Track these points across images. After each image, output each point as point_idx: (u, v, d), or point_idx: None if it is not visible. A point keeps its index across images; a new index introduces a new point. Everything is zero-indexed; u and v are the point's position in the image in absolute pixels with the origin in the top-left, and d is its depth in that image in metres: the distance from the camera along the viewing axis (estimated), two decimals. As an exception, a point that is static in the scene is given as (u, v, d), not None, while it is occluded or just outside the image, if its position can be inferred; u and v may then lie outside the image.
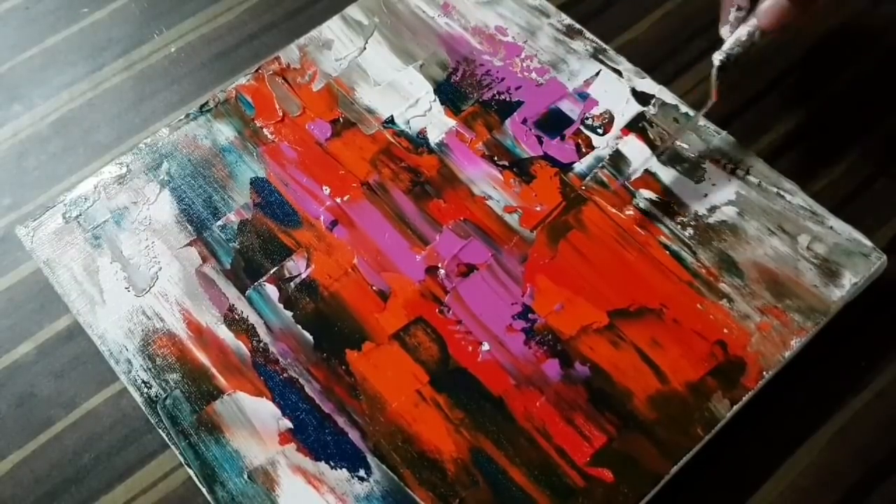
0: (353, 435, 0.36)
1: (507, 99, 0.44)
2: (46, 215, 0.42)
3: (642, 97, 0.43)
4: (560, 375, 0.36)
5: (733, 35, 0.39)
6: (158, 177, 0.43)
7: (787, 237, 0.39)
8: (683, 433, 0.35)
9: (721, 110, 0.45)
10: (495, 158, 0.42)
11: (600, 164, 0.42)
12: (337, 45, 0.47)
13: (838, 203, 0.40)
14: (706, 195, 0.40)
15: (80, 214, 0.42)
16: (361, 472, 0.35)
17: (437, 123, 0.44)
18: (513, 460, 0.35)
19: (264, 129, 0.44)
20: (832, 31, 0.48)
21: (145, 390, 0.37)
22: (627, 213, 0.40)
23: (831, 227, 0.39)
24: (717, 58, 0.39)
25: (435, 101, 0.44)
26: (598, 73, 0.44)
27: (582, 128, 0.43)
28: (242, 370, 0.37)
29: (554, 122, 0.43)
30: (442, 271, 0.39)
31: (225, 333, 0.38)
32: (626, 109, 0.43)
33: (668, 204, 0.40)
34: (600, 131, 0.43)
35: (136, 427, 0.38)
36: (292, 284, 0.39)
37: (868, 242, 0.38)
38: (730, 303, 0.38)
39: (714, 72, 0.39)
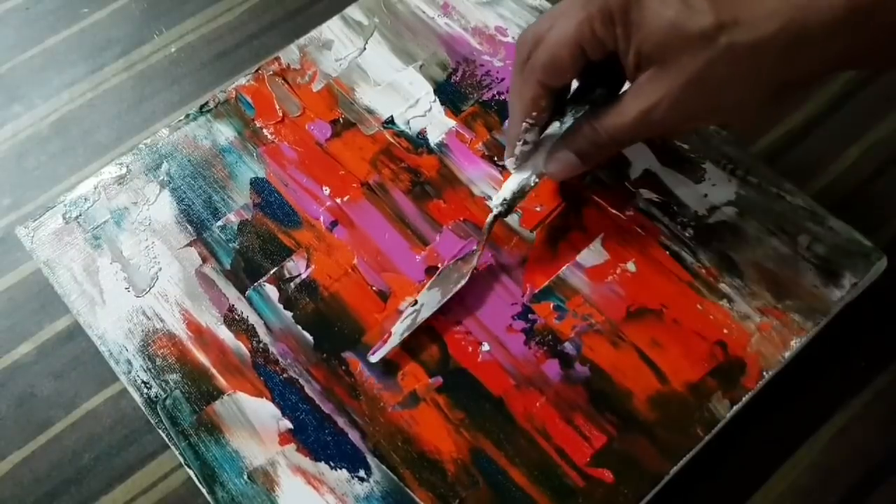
0: (353, 435, 0.36)
1: (507, 99, 0.44)
2: (46, 215, 0.42)
3: (642, 97, 0.43)
4: (560, 376, 0.36)
5: (515, 179, 0.37)
6: (158, 177, 0.43)
7: (787, 237, 0.39)
8: (683, 433, 0.35)
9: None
10: (495, 159, 0.42)
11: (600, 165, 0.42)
12: (337, 45, 0.47)
13: (838, 203, 0.40)
14: (706, 195, 0.40)
15: (80, 215, 0.42)
16: (361, 473, 0.35)
17: (437, 124, 0.44)
18: (513, 461, 0.35)
19: (264, 130, 0.44)
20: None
21: (145, 391, 0.37)
22: (627, 213, 0.40)
23: (831, 228, 0.39)
24: (496, 206, 0.37)
25: (435, 101, 0.44)
26: (598, 74, 0.44)
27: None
28: (242, 370, 0.37)
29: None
30: (442, 271, 0.39)
31: (225, 334, 0.38)
32: (626, 109, 0.43)
33: (668, 204, 0.40)
34: (600, 131, 0.43)
35: (136, 427, 0.38)
36: (292, 285, 0.39)
37: (868, 242, 0.38)
38: (730, 303, 0.38)
39: (490, 220, 0.38)
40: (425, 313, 0.37)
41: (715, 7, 0.29)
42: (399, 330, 0.37)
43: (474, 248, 0.39)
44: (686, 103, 0.31)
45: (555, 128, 0.37)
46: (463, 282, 0.38)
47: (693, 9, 0.30)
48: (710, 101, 0.31)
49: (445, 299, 0.38)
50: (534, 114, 0.35)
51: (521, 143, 0.36)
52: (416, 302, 0.38)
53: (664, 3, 0.30)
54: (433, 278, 0.39)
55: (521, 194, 0.37)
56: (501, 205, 0.38)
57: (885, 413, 0.38)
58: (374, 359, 0.37)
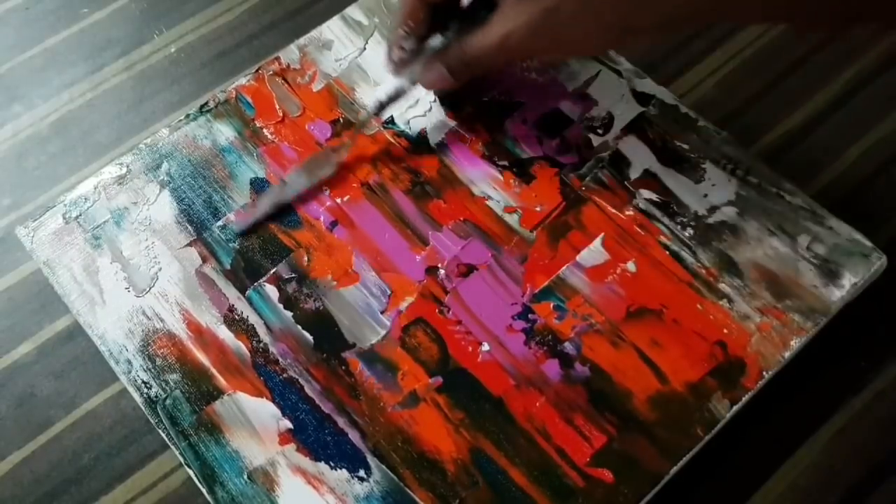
0: (353, 435, 0.36)
1: (507, 99, 0.44)
2: (46, 215, 0.42)
3: (642, 97, 0.43)
4: (560, 376, 0.36)
5: (391, 83, 0.40)
6: (158, 177, 0.43)
7: (787, 237, 0.39)
8: (683, 433, 0.35)
9: (721, 110, 0.45)
10: (495, 159, 0.42)
11: (600, 165, 0.42)
12: (337, 45, 0.47)
13: (838, 203, 0.40)
14: (706, 195, 0.40)
15: (80, 215, 0.42)
16: (361, 473, 0.35)
17: (437, 124, 0.44)
18: (513, 461, 0.35)
19: (264, 130, 0.44)
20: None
21: (145, 390, 0.37)
22: (627, 213, 0.40)
23: (831, 228, 0.39)
24: (369, 112, 0.41)
25: (435, 101, 0.44)
26: (597, 74, 0.44)
27: (582, 128, 0.43)
28: (242, 370, 0.37)
29: (554, 123, 0.43)
30: (442, 271, 0.39)
31: (225, 334, 0.38)
32: (626, 110, 0.43)
33: (668, 204, 0.40)
34: (600, 131, 0.43)
35: (135, 427, 0.38)
36: (292, 285, 0.39)
37: (868, 242, 0.38)
38: (730, 303, 0.38)
39: (363, 117, 0.41)
40: (289, 193, 0.41)
41: None
42: (262, 206, 0.40)
43: (346, 141, 0.42)
44: (538, 33, 0.34)
45: (437, 41, 0.39)
46: (330, 171, 0.41)
47: None
48: (559, 33, 0.34)
49: (310, 185, 0.41)
50: (410, 23, 0.38)
51: (398, 48, 0.39)
52: (283, 182, 0.40)
53: None
54: (303, 162, 0.41)
55: (395, 97, 0.41)
56: (375, 105, 0.41)
57: (885, 413, 0.38)
58: (236, 228, 0.39)
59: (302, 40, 0.47)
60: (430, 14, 0.38)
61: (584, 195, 0.41)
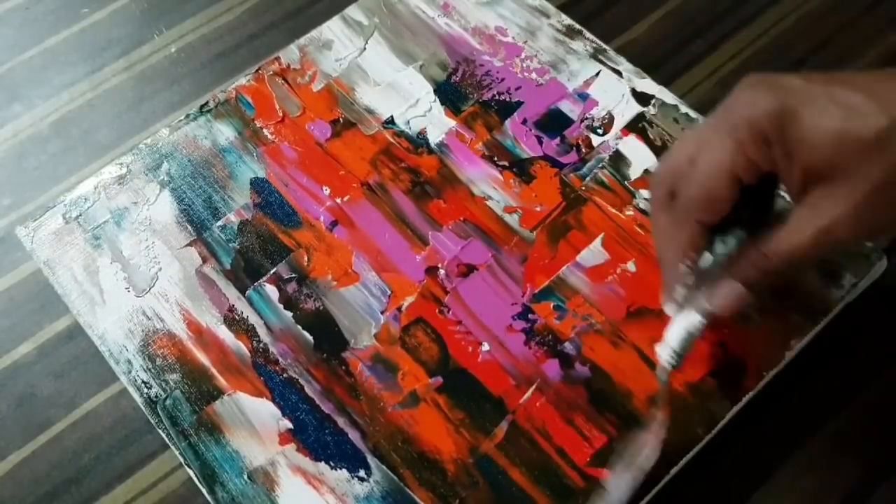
0: (353, 435, 0.36)
1: (507, 99, 0.44)
2: (46, 215, 0.42)
3: (642, 97, 0.43)
4: (560, 376, 0.36)
5: (679, 324, 0.33)
6: (158, 177, 0.43)
7: (787, 237, 0.39)
8: (683, 433, 0.35)
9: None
10: (495, 159, 0.42)
11: (600, 165, 0.42)
12: (337, 45, 0.47)
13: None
14: (706, 195, 0.40)
15: (81, 215, 0.42)
16: (361, 473, 0.35)
17: (437, 124, 0.44)
18: (513, 461, 0.35)
19: (264, 130, 0.44)
20: (832, 30, 0.48)
21: (145, 391, 0.37)
22: (627, 213, 0.40)
23: (831, 228, 0.39)
24: (667, 360, 0.33)
25: (435, 101, 0.44)
26: (598, 74, 0.44)
27: (582, 128, 0.43)
28: (242, 370, 0.37)
29: (554, 123, 0.43)
30: (442, 271, 0.39)
31: (225, 334, 0.38)
32: (626, 110, 0.43)
33: (668, 204, 0.40)
34: (600, 131, 0.43)
35: (136, 427, 0.38)
36: (292, 284, 0.39)
37: (868, 242, 0.38)
38: (730, 303, 0.37)
39: (664, 378, 0.34)
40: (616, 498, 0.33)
41: (884, 106, 0.27)
42: None
43: (657, 415, 0.33)
44: (873, 214, 0.29)
45: (706, 261, 0.33)
46: (655, 456, 0.33)
47: (859, 113, 0.27)
48: None
49: (639, 481, 0.33)
50: (693, 254, 0.32)
51: (681, 285, 0.33)
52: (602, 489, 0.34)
53: (824, 113, 0.28)
54: (618, 465, 0.34)
55: (690, 340, 0.33)
56: (672, 357, 0.33)
57: (886, 413, 0.37)
58: None
59: (302, 40, 0.47)
60: (709, 238, 0.32)
61: (584, 195, 0.41)
